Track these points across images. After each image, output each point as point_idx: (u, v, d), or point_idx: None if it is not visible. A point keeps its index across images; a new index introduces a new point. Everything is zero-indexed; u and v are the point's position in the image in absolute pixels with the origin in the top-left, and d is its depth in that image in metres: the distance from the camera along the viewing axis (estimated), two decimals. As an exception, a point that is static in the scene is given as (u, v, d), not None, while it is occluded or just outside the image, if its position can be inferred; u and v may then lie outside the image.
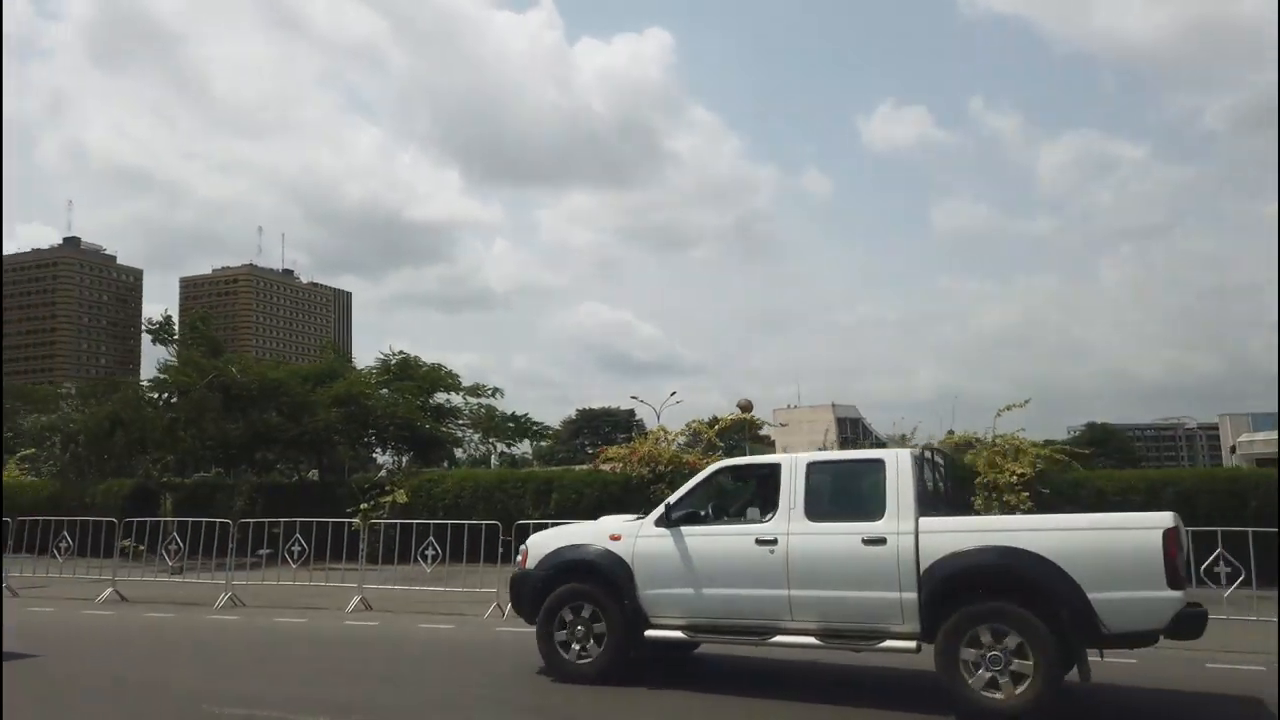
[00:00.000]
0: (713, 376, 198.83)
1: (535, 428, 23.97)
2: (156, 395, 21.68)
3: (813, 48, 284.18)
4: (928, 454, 7.91)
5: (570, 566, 7.68)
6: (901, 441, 27.86)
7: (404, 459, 24.69)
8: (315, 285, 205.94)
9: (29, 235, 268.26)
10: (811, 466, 7.37)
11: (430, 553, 12.76)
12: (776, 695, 7.22)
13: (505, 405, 25.70)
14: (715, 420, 20.09)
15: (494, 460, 28.93)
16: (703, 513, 7.67)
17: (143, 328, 24.76)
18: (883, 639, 6.70)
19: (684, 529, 7.47)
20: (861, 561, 6.74)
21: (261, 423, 20.39)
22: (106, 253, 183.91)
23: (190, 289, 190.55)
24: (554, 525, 9.26)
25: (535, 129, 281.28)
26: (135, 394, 22.81)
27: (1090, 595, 6.04)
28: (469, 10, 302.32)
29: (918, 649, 6.60)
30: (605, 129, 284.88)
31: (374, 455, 29.04)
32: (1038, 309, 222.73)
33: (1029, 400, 17.27)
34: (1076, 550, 6.22)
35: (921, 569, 6.54)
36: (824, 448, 30.80)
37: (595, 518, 8.95)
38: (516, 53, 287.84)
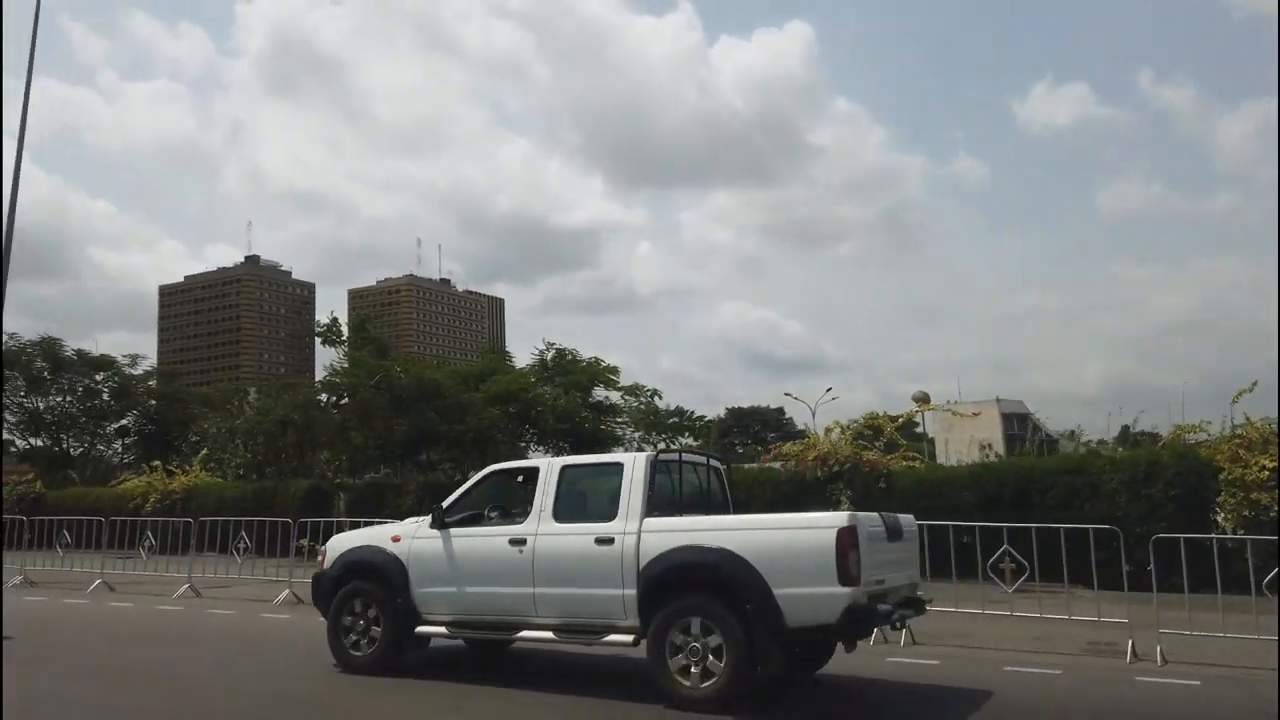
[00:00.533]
0: (860, 373, 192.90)
1: (698, 423, 23.10)
2: (326, 397, 22.14)
3: (959, 29, 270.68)
4: (692, 457, 8.35)
5: (355, 567, 8.19)
6: (1071, 438, 25.36)
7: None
8: (470, 293, 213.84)
9: (215, 255, 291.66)
10: (564, 470, 7.71)
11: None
12: (533, 687, 7.46)
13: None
14: (872, 416, 18.50)
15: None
16: (488, 513, 7.96)
17: (313, 327, 25.53)
18: (609, 633, 7.01)
19: (453, 531, 7.82)
20: (593, 560, 7.06)
21: (425, 421, 20.39)
22: (283, 269, 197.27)
23: (357, 300, 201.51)
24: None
25: (677, 131, 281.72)
26: (305, 396, 23.44)
27: (775, 591, 6.32)
28: (609, 18, 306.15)
29: (635, 642, 6.87)
30: (746, 127, 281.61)
31: (530, 453, 28.85)
32: (1218, 293, 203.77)
33: (1256, 384, 14.96)
34: (765, 549, 6.49)
35: (641, 567, 6.84)
36: (986, 446, 28.36)
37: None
38: (657, 56, 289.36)
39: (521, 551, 7.39)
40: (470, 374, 21.84)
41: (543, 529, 7.44)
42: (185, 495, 20.58)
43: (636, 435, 23.05)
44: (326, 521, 14.83)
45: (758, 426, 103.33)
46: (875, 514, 7.08)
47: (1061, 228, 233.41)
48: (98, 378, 32.57)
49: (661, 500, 7.40)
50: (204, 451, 22.22)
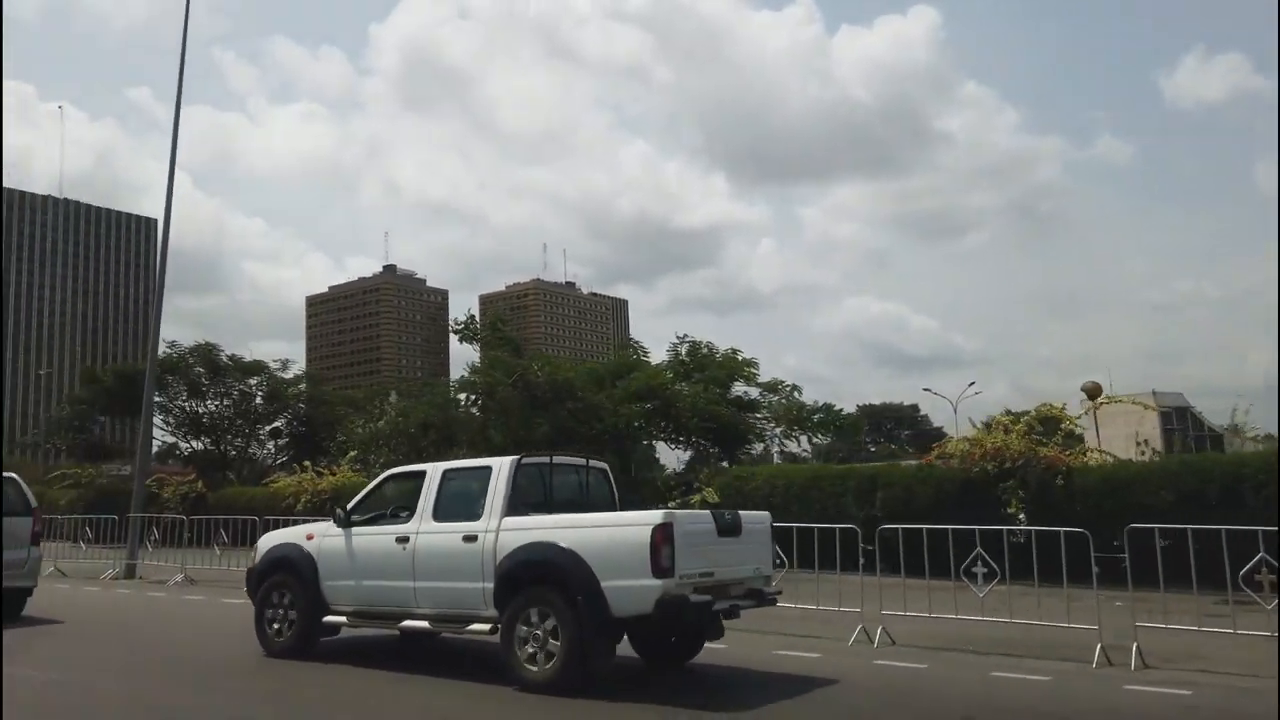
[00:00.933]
0: (997, 367, 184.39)
1: (844, 420, 21.89)
2: (464, 397, 22.13)
3: (1096, 3, 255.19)
4: (565, 460, 8.95)
5: (277, 562, 8.97)
6: (1234, 431, 22.77)
7: (687, 454, 23.55)
8: (595, 295, 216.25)
9: (356, 266, 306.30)
10: (445, 474, 8.37)
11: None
12: (440, 673, 7.97)
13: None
14: (1047, 408, 16.84)
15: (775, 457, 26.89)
16: (390, 513, 8.55)
17: (449, 327, 25.68)
18: (474, 623, 7.58)
19: (354, 530, 8.52)
20: (460, 556, 7.67)
21: (563, 420, 20.02)
22: (418, 277, 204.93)
23: (487, 305, 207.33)
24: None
25: (798, 125, 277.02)
26: (443, 396, 23.53)
27: (602, 583, 6.85)
28: (727, 15, 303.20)
29: (493, 631, 7.40)
30: (870, 117, 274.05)
31: (657, 452, 28.08)
32: None
33: None
34: (594, 545, 7.01)
35: (497, 562, 7.41)
36: (1142, 442, 25.90)
37: (931, 519, 9.48)
38: (776, 51, 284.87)
39: (404, 548, 8.10)
40: (605, 372, 21.30)
41: (423, 528, 8.12)
42: (333, 495, 20.92)
43: (778, 431, 22.07)
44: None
45: (890, 424, 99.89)
46: (704, 512, 8.13)
47: (1216, 208, 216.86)
48: (251, 382, 34.27)
49: (528, 501, 7.95)
50: (351, 452, 22.63)
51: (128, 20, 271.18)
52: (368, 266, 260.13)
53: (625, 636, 7.57)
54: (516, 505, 7.74)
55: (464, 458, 25.70)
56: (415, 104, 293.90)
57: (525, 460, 8.15)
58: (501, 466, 7.94)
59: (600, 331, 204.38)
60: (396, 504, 8.71)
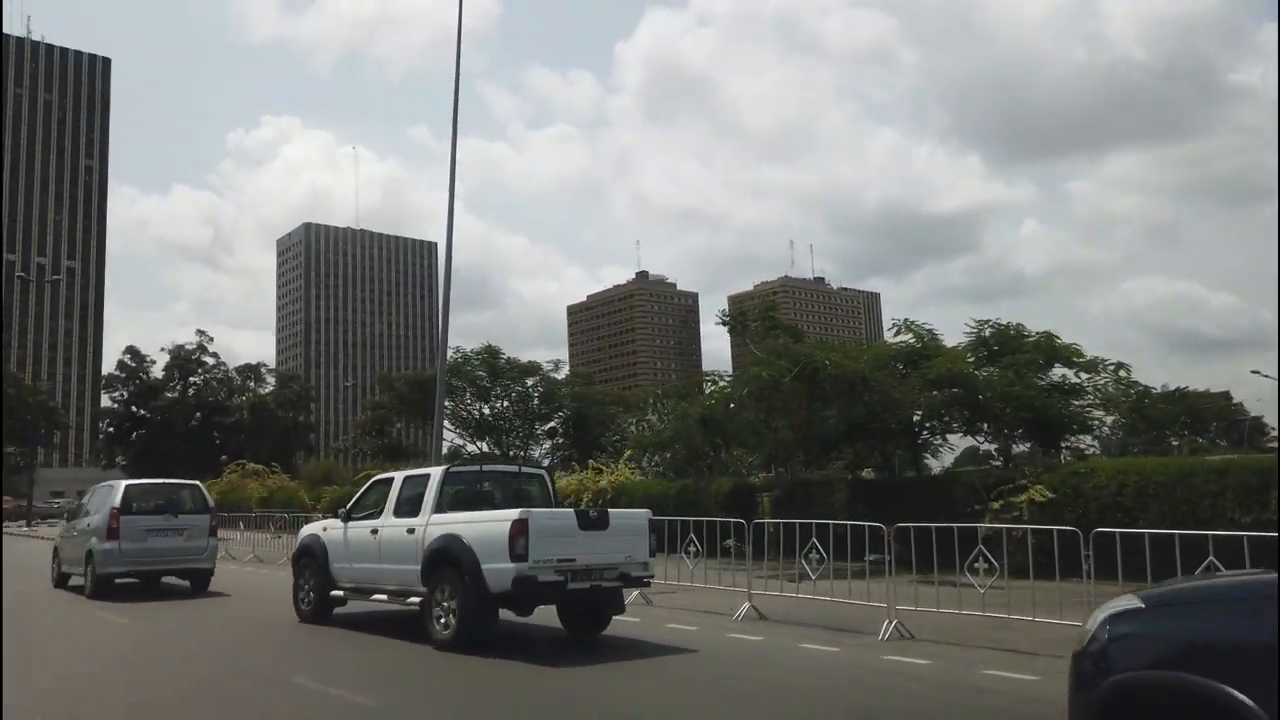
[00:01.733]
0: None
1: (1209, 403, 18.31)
2: (742, 390, 20.95)
3: None
4: (497, 467, 12.79)
5: (303, 548, 11.79)
6: None
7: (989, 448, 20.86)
8: (845, 290, 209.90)
9: (609, 275, 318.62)
10: (405, 479, 10.83)
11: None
12: (391, 634, 10.42)
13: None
14: None
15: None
16: (371, 511, 10.96)
17: (721, 319, 24.61)
18: (412, 596, 9.83)
19: (350, 523, 11.10)
20: (405, 544, 10.00)
21: (854, 413, 18.22)
22: (668, 281, 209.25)
23: (737, 305, 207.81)
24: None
25: (1062, 94, 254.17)
26: (719, 393, 22.53)
27: (482, 566, 8.90)
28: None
29: (421, 602, 9.61)
30: (1149, 77, 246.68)
31: (951, 445, 25.22)
32: None
33: None
34: (479, 535, 9.10)
35: (424, 550, 9.57)
36: None
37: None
38: (1033, 17, 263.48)
39: (375, 538, 10.51)
40: (901, 355, 19.18)
41: (386, 522, 10.44)
42: (614, 493, 20.58)
43: (1109, 420, 18.90)
44: (756, 523, 13.16)
45: (1187, 416, 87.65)
46: (567, 510, 10.28)
47: None
48: (528, 382, 35.53)
49: (461, 502, 10.34)
50: (628, 451, 22.25)
51: (406, 66, 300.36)
52: (620, 275, 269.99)
53: (557, 611, 10.01)
54: (443, 506, 10.03)
55: (737, 456, 24.93)
56: (658, 115, 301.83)
57: (453, 469, 11.00)
58: (435, 474, 10.33)
59: (851, 327, 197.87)
60: (374, 503, 10.96)
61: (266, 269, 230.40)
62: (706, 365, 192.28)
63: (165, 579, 15.69)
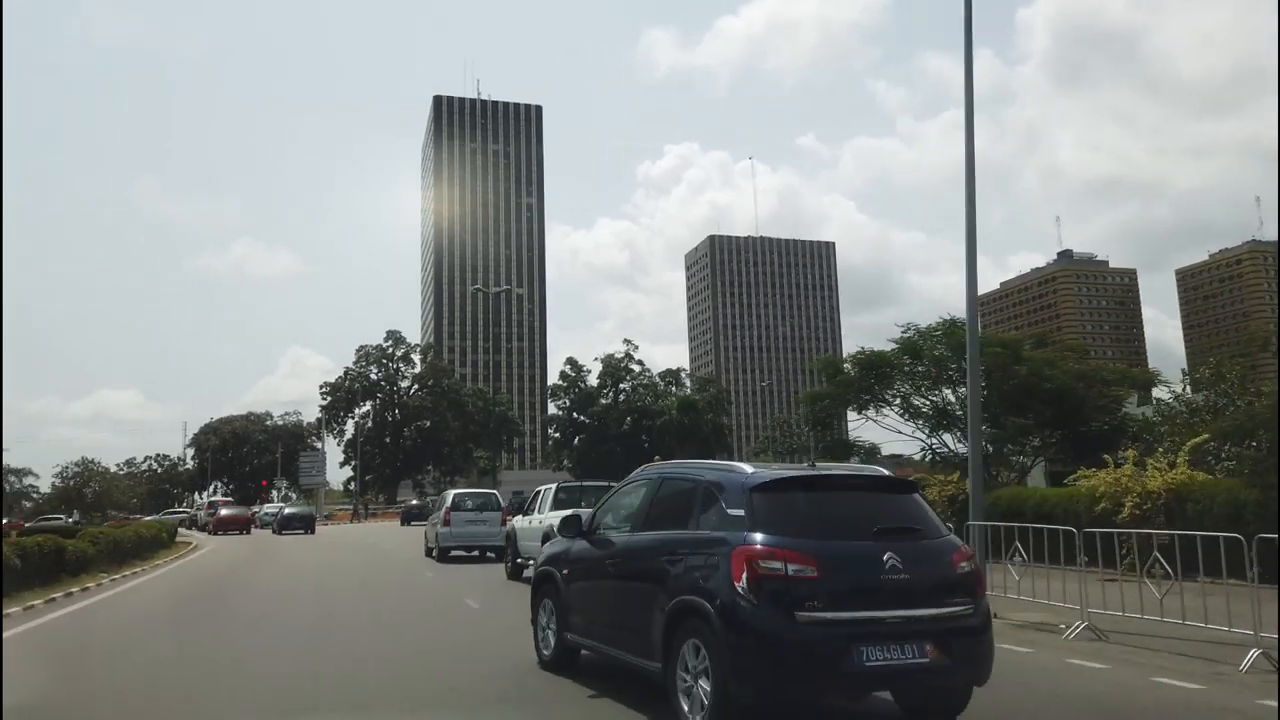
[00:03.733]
0: None
1: None
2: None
3: None
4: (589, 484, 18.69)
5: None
6: None
7: None
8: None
9: (1016, 262, 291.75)
10: (559, 489, 17.43)
11: None
12: None
13: None
14: None
15: None
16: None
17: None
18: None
19: (521, 517, 17.66)
20: (538, 530, 15.37)
21: None
22: (1098, 260, 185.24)
23: (1187, 280, 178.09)
24: None
25: None
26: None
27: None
28: None
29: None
30: None
31: None
32: None
33: None
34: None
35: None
36: None
37: None
38: None
39: (531, 524, 16.78)
40: None
41: (539, 518, 16.42)
42: (1171, 498, 15.52)
43: None
44: None
45: None
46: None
47: None
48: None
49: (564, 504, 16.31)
50: (1190, 441, 16.95)
51: (796, 75, 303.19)
52: (1031, 260, 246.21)
53: None
54: (558, 506, 16.82)
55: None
56: (1071, 79, 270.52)
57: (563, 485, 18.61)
58: (545, 489, 17.97)
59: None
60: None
61: (676, 284, 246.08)
62: (1152, 352, 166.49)
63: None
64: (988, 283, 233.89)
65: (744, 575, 5.31)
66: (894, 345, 24.54)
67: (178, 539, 33.08)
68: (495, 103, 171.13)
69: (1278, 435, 13.13)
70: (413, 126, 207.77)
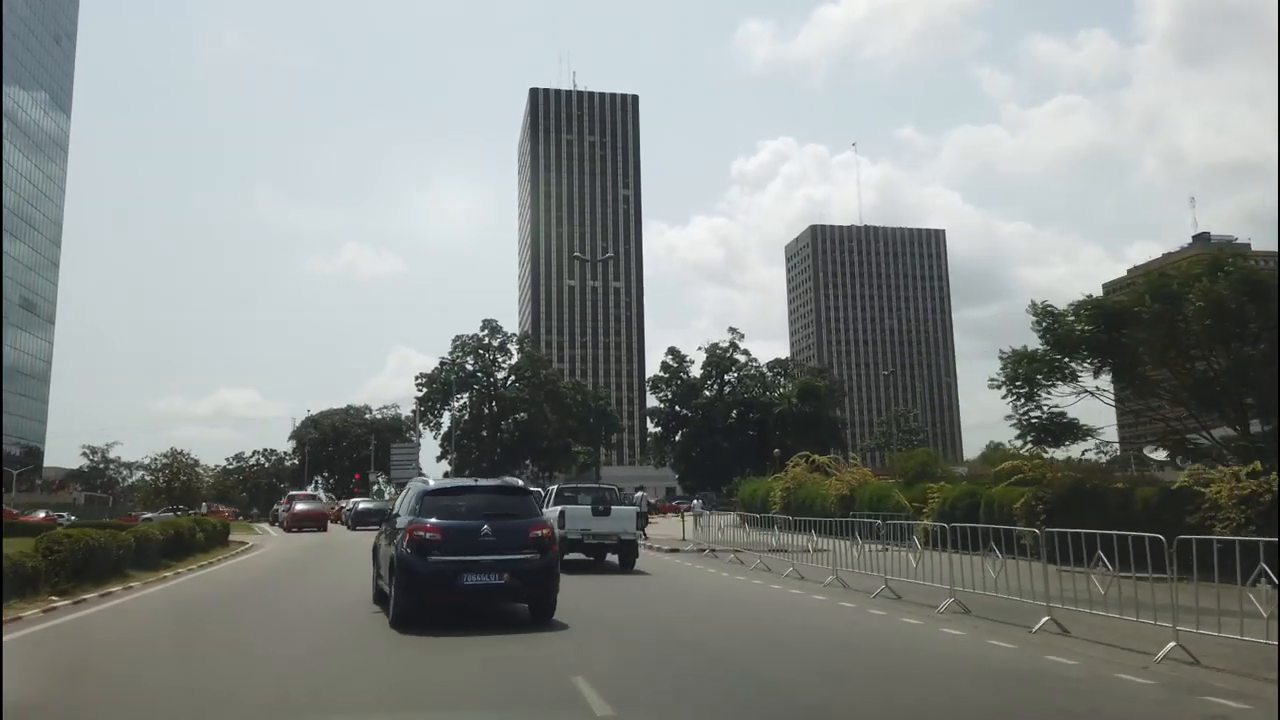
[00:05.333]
0: None
1: None
2: None
3: None
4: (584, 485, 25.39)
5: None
6: None
7: None
8: None
9: (1134, 253, 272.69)
10: (561, 488, 22.11)
11: None
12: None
13: None
14: None
15: None
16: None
17: None
18: None
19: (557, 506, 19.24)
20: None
21: None
22: (1239, 242, 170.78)
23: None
24: None
25: None
26: None
27: (558, 531, 13.00)
28: None
29: None
30: None
31: None
32: None
33: None
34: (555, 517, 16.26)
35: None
36: None
37: None
38: None
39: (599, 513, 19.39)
40: None
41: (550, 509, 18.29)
42: None
43: None
44: None
45: None
46: (586, 507, 19.18)
47: None
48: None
49: (566, 500, 20.09)
50: None
51: (896, 62, 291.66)
52: (1144, 251, 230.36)
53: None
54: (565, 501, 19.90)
55: None
56: (1196, 57, 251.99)
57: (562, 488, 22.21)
58: (545, 490, 23.48)
59: None
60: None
61: (773, 280, 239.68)
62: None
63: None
64: (1093, 276, 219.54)
65: (407, 539, 10.22)
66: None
67: (233, 537, 29.45)
68: (591, 94, 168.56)
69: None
70: (510, 122, 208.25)
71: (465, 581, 9.89)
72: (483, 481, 13.09)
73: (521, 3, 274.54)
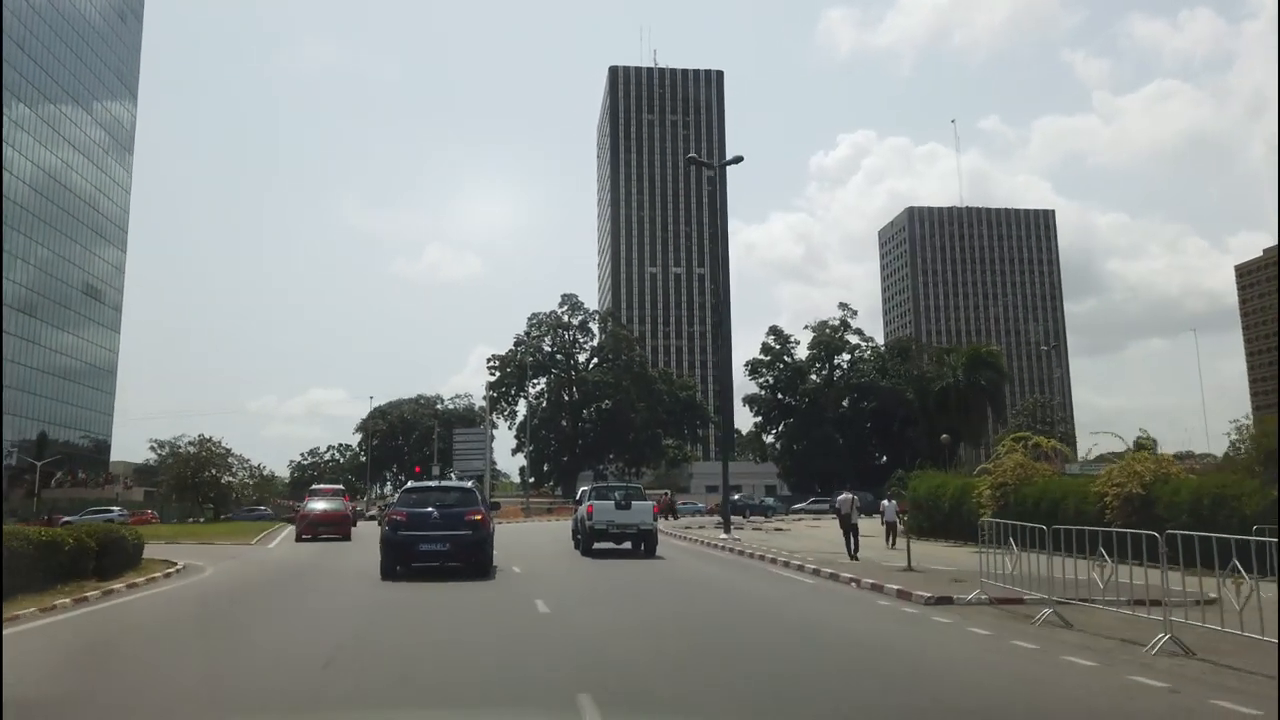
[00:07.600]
0: None
1: None
2: None
3: None
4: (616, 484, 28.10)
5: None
6: None
7: None
8: None
9: (1238, 244, 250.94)
10: (594, 488, 27.03)
11: None
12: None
13: None
14: None
15: None
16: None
17: None
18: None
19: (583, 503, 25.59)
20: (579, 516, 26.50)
21: None
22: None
23: None
24: None
25: None
26: None
27: (586, 523, 23.57)
28: None
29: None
30: None
31: None
32: None
33: None
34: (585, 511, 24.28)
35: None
36: None
37: None
38: None
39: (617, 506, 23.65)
40: None
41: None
42: None
43: None
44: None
45: None
46: (610, 502, 23.06)
47: None
48: None
49: (601, 496, 24.72)
50: None
51: (985, 51, 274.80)
52: (1250, 241, 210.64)
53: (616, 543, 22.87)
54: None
55: None
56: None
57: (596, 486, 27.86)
58: (587, 489, 28.59)
59: None
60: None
61: (854, 276, 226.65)
62: None
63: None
64: (1207, 264, 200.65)
65: (387, 521, 16.94)
66: None
67: (184, 555, 21.17)
68: (674, 70, 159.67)
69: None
70: (589, 105, 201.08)
71: (420, 548, 15.95)
72: (441, 483, 21.08)
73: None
